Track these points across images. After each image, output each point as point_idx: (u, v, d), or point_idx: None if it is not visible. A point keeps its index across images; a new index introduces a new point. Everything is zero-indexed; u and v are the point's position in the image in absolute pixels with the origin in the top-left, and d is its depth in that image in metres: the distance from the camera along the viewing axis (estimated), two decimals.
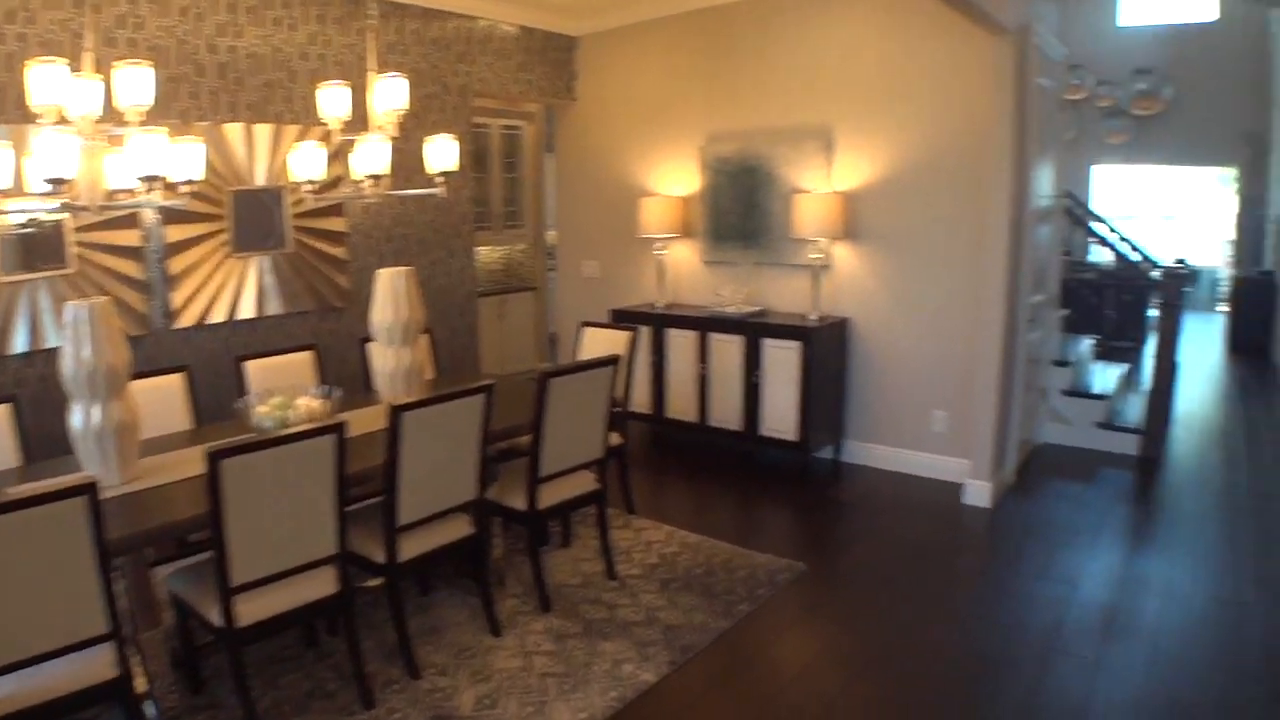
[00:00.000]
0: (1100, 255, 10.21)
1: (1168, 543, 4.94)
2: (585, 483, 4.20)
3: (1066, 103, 13.23)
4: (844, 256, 5.90)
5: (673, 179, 6.60)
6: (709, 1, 6.26)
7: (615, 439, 4.68)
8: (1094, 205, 13.42)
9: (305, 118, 5.23)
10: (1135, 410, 6.89)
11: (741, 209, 6.22)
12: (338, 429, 2.93)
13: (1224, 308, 12.91)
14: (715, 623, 3.84)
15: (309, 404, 3.55)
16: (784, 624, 3.92)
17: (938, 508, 5.32)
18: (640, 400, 6.32)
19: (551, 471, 3.89)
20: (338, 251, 5.60)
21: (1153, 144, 13.46)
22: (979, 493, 5.33)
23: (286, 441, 2.81)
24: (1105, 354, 8.01)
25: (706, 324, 6.01)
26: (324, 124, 3.87)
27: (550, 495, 3.97)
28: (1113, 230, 9.54)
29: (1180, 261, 6.88)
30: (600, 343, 4.93)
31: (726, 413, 5.99)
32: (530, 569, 4.00)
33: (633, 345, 4.89)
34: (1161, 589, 4.28)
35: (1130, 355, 8.29)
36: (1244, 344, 11.17)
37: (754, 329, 5.79)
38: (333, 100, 3.82)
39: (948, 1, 4.39)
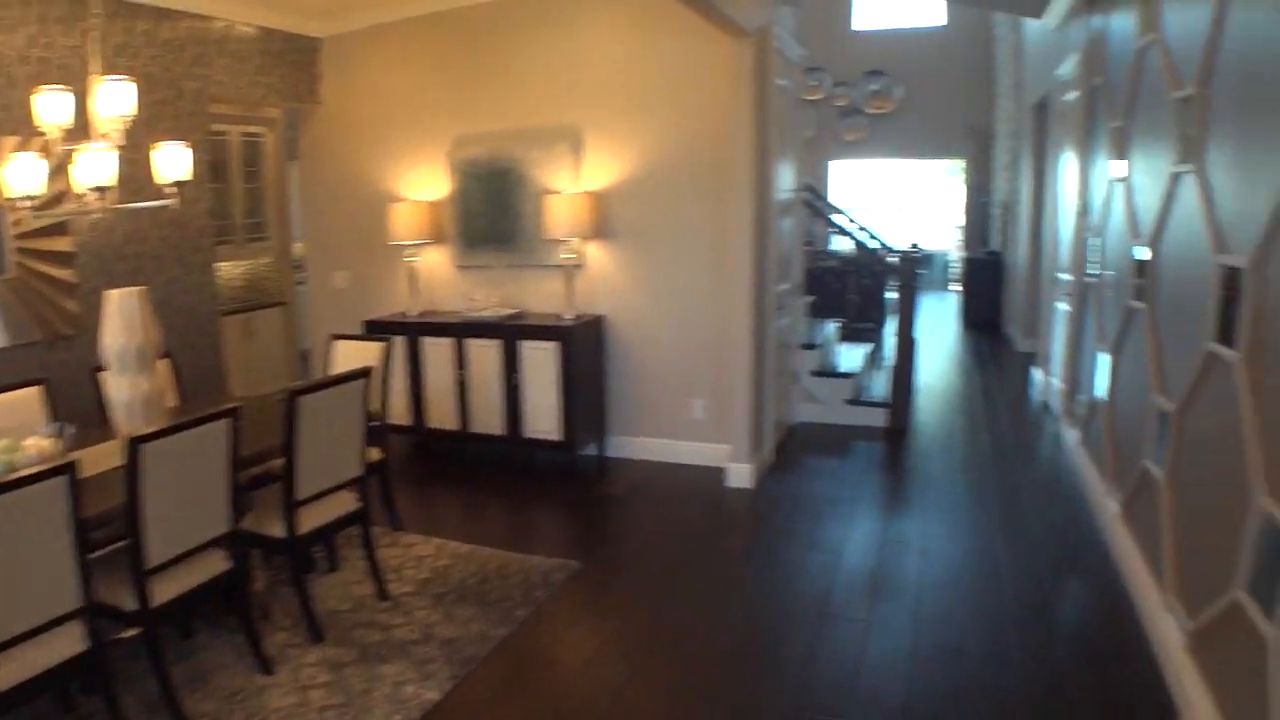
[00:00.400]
0: (841, 244, 10.81)
1: (921, 505, 5.33)
2: (346, 503, 4.06)
3: (806, 102, 13.98)
4: (597, 255, 6.01)
5: (423, 184, 6.50)
6: (455, 2, 6.21)
7: (375, 454, 4.58)
8: (834, 198, 14.24)
9: (25, 127, 4.81)
10: (881, 386, 7.35)
11: (493, 212, 6.20)
12: (68, 469, 2.69)
13: (957, 287, 13.93)
14: (494, 631, 3.81)
15: (39, 444, 3.30)
16: (564, 623, 3.95)
17: (704, 493, 5.51)
18: (399, 412, 6.18)
19: (309, 494, 3.74)
20: (65, 274, 5.22)
21: (887, 140, 14.43)
22: (741, 475, 5.55)
23: (12, 488, 2.56)
24: (850, 335, 8.50)
25: (462, 330, 5.95)
26: (44, 133, 3.60)
27: (310, 519, 3.81)
28: (851, 220, 10.11)
29: (914, 246, 7.40)
30: (352, 356, 4.79)
31: (489, 418, 5.96)
32: (297, 599, 3.83)
33: (386, 356, 4.78)
34: (919, 548, 4.63)
35: (873, 335, 8.83)
36: (977, 319, 12.13)
37: (511, 332, 5.79)
38: (52, 106, 3.49)
39: (690, 4, 4.52)
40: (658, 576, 4.40)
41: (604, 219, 5.90)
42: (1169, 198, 3.79)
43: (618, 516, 5.25)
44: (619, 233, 5.92)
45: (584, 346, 5.80)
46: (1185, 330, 3.47)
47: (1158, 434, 3.82)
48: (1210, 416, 3.14)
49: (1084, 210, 6.10)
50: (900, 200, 16.51)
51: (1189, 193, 3.47)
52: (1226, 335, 2.95)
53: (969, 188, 14.36)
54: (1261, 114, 2.76)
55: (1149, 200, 4.16)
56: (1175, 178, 3.68)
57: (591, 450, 6.14)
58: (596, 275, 6.03)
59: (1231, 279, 2.91)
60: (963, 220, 14.70)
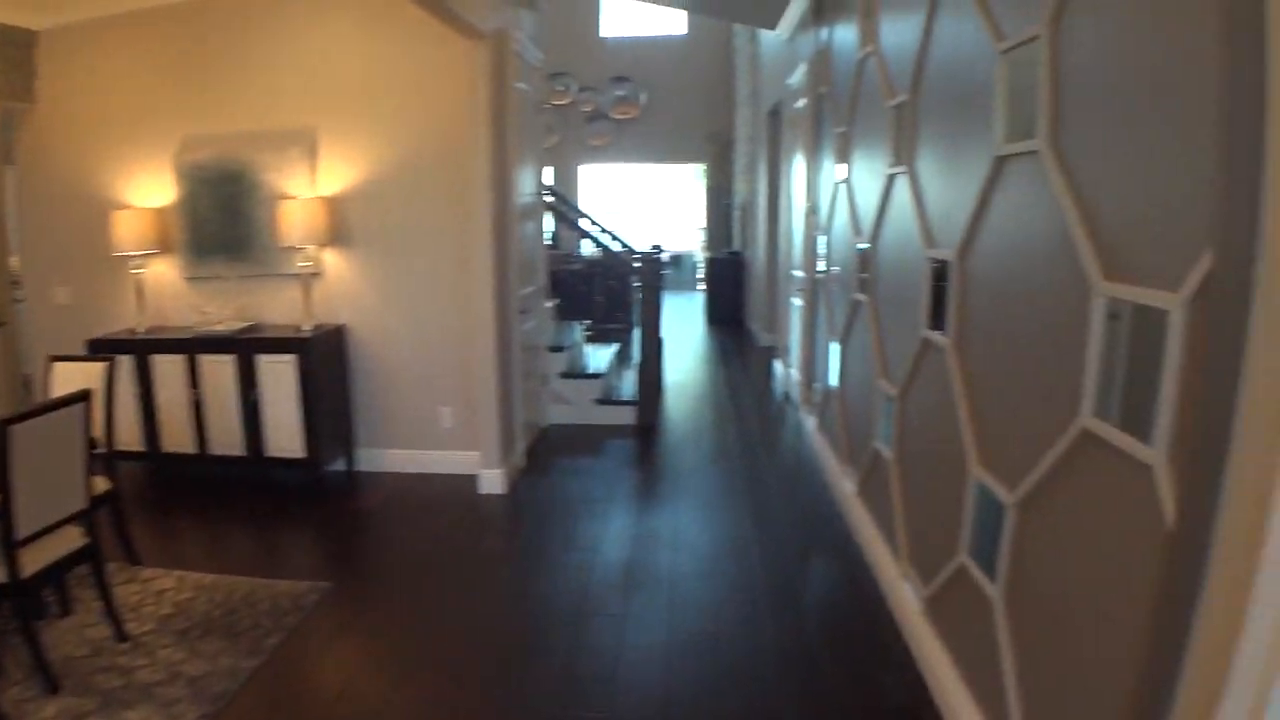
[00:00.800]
0: (588, 247, 10.97)
1: (672, 498, 5.46)
2: (73, 539, 3.66)
3: (554, 107, 14.12)
4: (335, 262, 5.77)
5: (149, 189, 6.00)
6: None
7: (102, 484, 4.21)
8: (582, 202, 14.45)
9: None
10: (630, 385, 7.47)
11: (224, 219, 5.81)
12: None
13: (703, 286, 14.42)
14: (244, 663, 3.58)
15: None
16: (319, 646, 3.76)
17: (457, 501, 5.41)
18: (130, 438, 5.68)
19: (29, 532, 3.36)
20: None
21: (632, 145, 14.77)
22: (493, 480, 5.50)
23: None
24: (598, 337, 8.62)
25: (195, 345, 5.53)
26: None
27: (34, 560, 3.41)
28: (594, 224, 10.27)
29: (656, 247, 7.54)
30: (74, 378, 4.31)
31: (228, 438, 5.58)
32: (27, 648, 3.42)
33: (110, 377, 4.39)
34: (671, 539, 4.74)
35: (621, 335, 8.96)
36: (721, 316, 12.64)
37: (246, 345, 5.44)
38: None
39: (422, 4, 4.42)
40: (414, 589, 4.29)
41: (342, 224, 5.69)
42: (885, 197, 4.06)
43: (370, 532, 5.06)
44: (358, 238, 5.72)
45: (325, 358, 5.55)
46: (903, 319, 3.72)
47: (884, 416, 4.09)
48: (928, 397, 3.38)
49: (813, 210, 6.45)
50: (647, 203, 16.95)
51: (902, 193, 3.74)
52: (938, 322, 3.19)
53: (711, 191, 14.91)
54: (962, 119, 3.00)
55: (869, 200, 4.44)
56: (890, 179, 3.95)
57: (340, 466, 5.90)
58: (336, 283, 5.80)
59: (940, 271, 3.15)
60: (706, 222, 15.25)
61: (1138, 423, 1.82)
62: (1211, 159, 1.58)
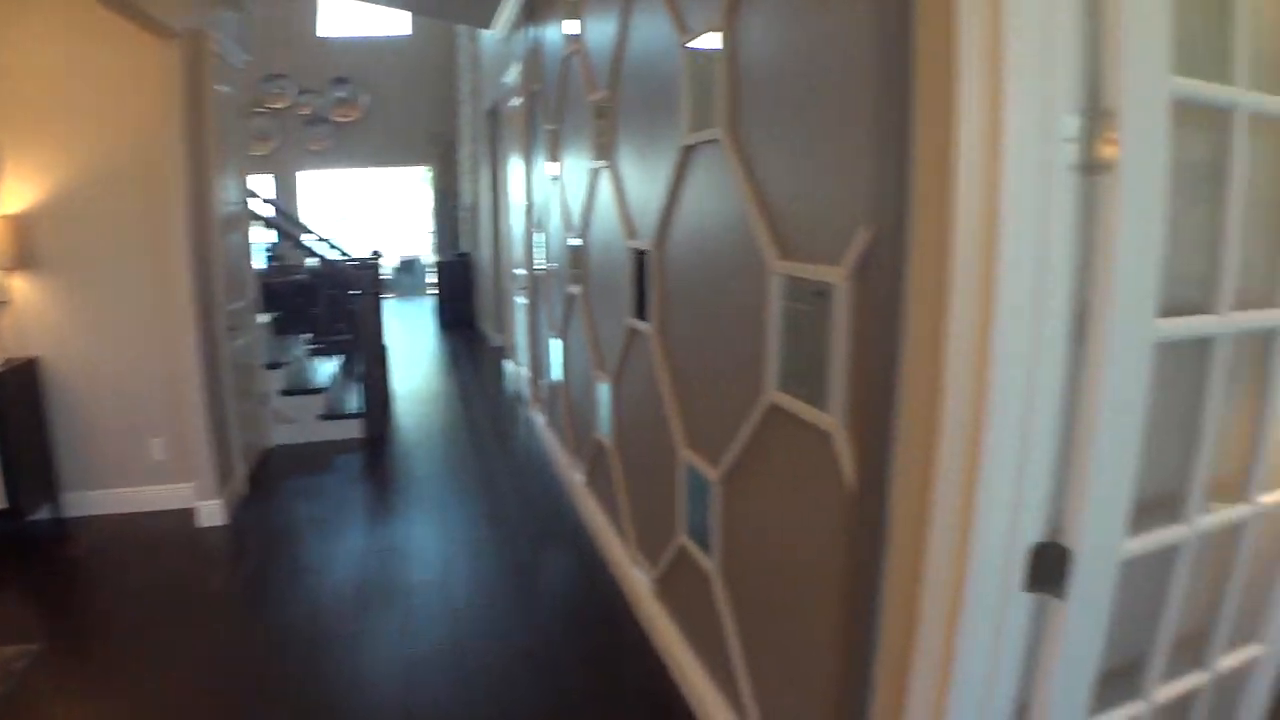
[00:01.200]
0: (311, 257, 10.57)
1: (405, 508, 5.33)
2: None
3: (270, 111, 13.52)
4: (23, 288, 5.18)
5: None
6: None
7: None
8: (303, 209, 13.94)
9: None
10: (357, 397, 7.24)
11: None
12: None
13: (434, 290, 14.22)
14: None
15: None
16: (29, 716, 3.36)
17: (175, 538, 5.01)
18: None
19: None
20: None
21: (355, 148, 14.36)
22: (212, 512, 5.14)
23: None
24: (324, 350, 8.28)
25: None
26: None
27: None
28: (309, 232, 9.90)
29: (375, 253, 7.35)
30: None
31: None
32: None
33: None
34: (405, 551, 4.61)
35: (346, 346, 8.66)
36: (453, 319, 12.51)
37: None
38: None
39: (106, 3, 4.09)
40: (134, 639, 3.90)
41: (29, 246, 5.11)
42: (592, 192, 4.12)
43: (83, 582, 4.58)
44: (49, 260, 5.15)
45: (17, 395, 4.96)
46: (612, 310, 3.80)
47: (602, 407, 4.16)
48: (638, 385, 3.46)
49: (530, 208, 6.48)
50: (373, 209, 16.52)
51: (605, 186, 3.80)
52: (642, 311, 3.26)
53: (438, 193, 14.73)
54: (655, 112, 3.08)
55: (578, 196, 4.50)
56: (595, 173, 4.01)
57: (45, 514, 5.28)
58: (26, 311, 5.19)
59: (641, 261, 3.23)
60: (434, 225, 15.07)
61: (817, 392, 1.91)
62: (866, 141, 1.68)
